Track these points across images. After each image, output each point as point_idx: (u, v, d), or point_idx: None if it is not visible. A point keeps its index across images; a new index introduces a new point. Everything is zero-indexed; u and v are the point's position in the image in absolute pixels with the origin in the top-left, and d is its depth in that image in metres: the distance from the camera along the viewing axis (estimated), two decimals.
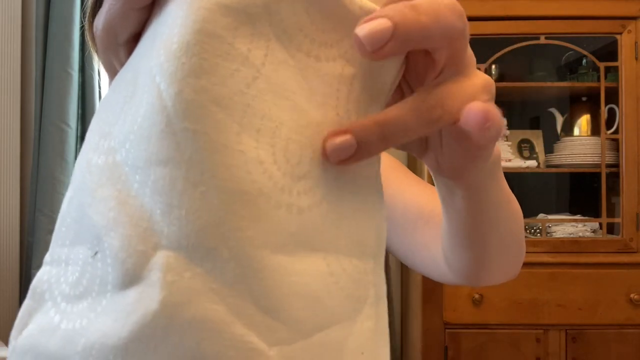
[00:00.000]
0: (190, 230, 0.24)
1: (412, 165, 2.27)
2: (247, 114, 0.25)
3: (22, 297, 2.23)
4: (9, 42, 2.24)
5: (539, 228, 2.16)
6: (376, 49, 0.27)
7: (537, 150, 2.30)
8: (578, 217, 2.21)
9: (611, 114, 2.12)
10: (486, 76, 0.31)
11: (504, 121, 0.30)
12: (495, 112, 0.28)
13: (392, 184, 0.68)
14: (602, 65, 2.09)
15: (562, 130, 2.32)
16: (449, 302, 2.03)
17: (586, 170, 2.17)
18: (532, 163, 2.20)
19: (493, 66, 2.19)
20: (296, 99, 0.26)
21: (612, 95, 2.10)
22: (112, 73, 0.31)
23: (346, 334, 0.27)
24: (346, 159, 0.27)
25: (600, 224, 2.14)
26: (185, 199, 0.24)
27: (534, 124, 2.37)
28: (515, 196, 0.52)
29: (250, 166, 0.24)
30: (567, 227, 2.14)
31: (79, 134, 2.21)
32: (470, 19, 0.31)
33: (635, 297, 1.99)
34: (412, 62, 0.31)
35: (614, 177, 2.11)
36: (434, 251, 0.59)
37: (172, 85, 0.24)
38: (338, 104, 0.27)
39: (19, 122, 2.25)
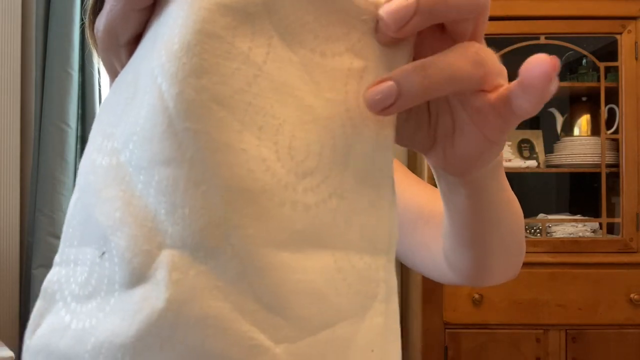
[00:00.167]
0: (194, 229, 0.24)
1: (412, 165, 2.27)
2: (249, 112, 0.25)
3: (22, 297, 2.23)
4: (9, 42, 2.24)
5: (539, 228, 2.16)
6: (401, 26, 0.27)
7: (537, 150, 2.30)
8: (578, 217, 2.21)
9: (611, 114, 2.12)
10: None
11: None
12: None
13: None
14: (602, 65, 2.09)
15: (562, 130, 2.32)
16: (449, 302, 2.03)
17: (586, 170, 2.17)
18: (532, 163, 2.20)
19: None
20: (300, 95, 0.26)
21: (612, 95, 2.10)
22: (113, 74, 0.31)
23: (354, 330, 0.26)
24: (388, 107, 0.27)
25: (600, 224, 2.14)
26: (188, 198, 0.24)
27: (534, 124, 2.37)
28: (515, 196, 0.52)
29: (252, 164, 0.24)
30: (567, 227, 2.14)
31: (79, 134, 2.21)
32: None
33: (635, 297, 1.99)
34: (429, 45, 0.31)
35: (614, 177, 2.11)
36: (434, 251, 0.59)
37: (173, 85, 0.24)
38: (347, 98, 0.27)
39: (19, 122, 2.25)
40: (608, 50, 2.14)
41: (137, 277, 0.24)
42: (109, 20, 0.28)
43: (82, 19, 2.03)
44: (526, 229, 2.15)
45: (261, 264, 0.24)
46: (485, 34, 0.31)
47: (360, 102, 0.28)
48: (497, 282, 0.57)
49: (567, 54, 2.24)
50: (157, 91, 0.25)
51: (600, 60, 2.10)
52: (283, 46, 0.26)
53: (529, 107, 0.29)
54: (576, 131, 2.31)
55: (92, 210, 0.27)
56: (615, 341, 2.00)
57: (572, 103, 2.37)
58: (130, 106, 0.26)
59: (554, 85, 0.28)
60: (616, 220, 2.11)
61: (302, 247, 0.25)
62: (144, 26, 0.28)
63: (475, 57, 0.29)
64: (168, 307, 0.23)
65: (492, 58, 0.30)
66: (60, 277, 0.28)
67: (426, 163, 2.05)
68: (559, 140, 2.28)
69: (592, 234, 2.15)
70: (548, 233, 2.15)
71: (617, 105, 2.08)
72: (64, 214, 2.20)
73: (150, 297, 0.24)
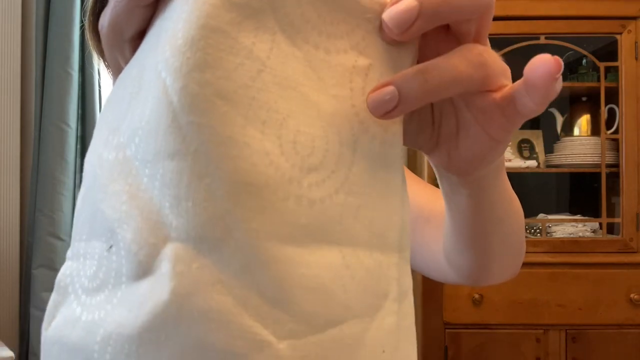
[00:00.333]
0: (197, 222, 0.24)
1: (412, 165, 2.27)
2: (253, 106, 0.25)
3: (22, 297, 2.23)
4: (9, 42, 2.24)
5: (539, 228, 2.16)
6: (404, 30, 0.27)
7: (537, 150, 2.30)
8: (578, 217, 2.21)
9: (611, 114, 2.13)
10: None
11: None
12: None
13: None
14: (602, 65, 2.09)
15: (562, 130, 2.32)
16: (449, 302, 2.03)
17: (586, 170, 2.17)
18: (532, 163, 2.20)
19: None
20: (305, 91, 0.26)
21: (612, 95, 2.10)
22: (117, 70, 0.31)
23: (364, 329, 0.26)
24: (389, 112, 0.27)
25: (600, 224, 2.14)
26: (192, 192, 0.24)
27: (534, 124, 2.38)
28: (516, 195, 0.52)
29: (255, 158, 0.25)
30: (567, 227, 2.14)
31: (79, 134, 2.21)
32: None
33: (635, 297, 1.99)
34: (433, 46, 0.31)
35: (614, 177, 2.11)
36: (435, 250, 0.59)
37: (178, 80, 0.24)
38: (353, 95, 0.27)
39: (19, 122, 2.25)
40: (608, 50, 2.14)
41: (143, 269, 0.25)
42: (113, 16, 0.29)
43: (82, 20, 2.03)
44: (526, 229, 2.15)
45: (265, 257, 0.24)
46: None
47: (366, 98, 0.28)
48: (498, 281, 0.57)
49: (567, 54, 2.24)
50: (162, 86, 0.25)
51: (600, 60, 2.10)
52: (287, 42, 0.26)
53: (534, 106, 0.29)
54: (576, 131, 2.31)
55: (99, 205, 0.27)
56: (615, 341, 2.00)
57: (572, 103, 2.38)
58: (135, 101, 0.27)
59: (558, 84, 0.28)
60: (616, 220, 2.11)
61: (306, 242, 0.25)
62: (148, 22, 0.29)
63: (477, 59, 0.29)
64: (172, 299, 0.24)
65: (494, 59, 0.30)
66: (72, 270, 0.28)
67: (426, 163, 2.05)
68: (559, 140, 2.28)
69: (592, 234, 2.15)
70: (548, 233, 2.15)
71: (617, 105, 2.08)
72: (64, 214, 2.20)
73: (155, 290, 0.24)
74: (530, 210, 2.18)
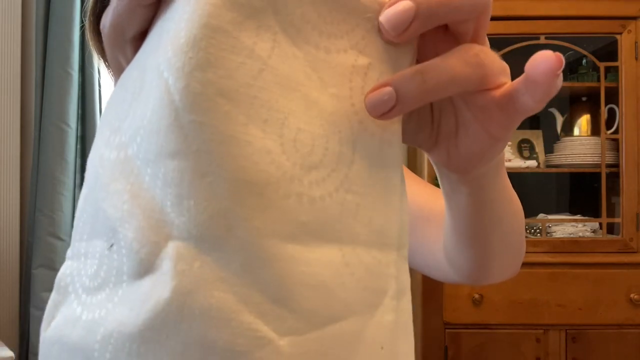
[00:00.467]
0: (199, 220, 0.24)
1: (412, 164, 2.27)
2: (254, 105, 0.25)
3: (22, 297, 2.23)
4: (9, 42, 2.24)
5: (539, 228, 2.16)
6: (401, 32, 0.27)
7: (537, 150, 2.30)
8: (578, 217, 2.21)
9: (611, 114, 2.13)
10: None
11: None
12: None
13: None
14: (602, 65, 2.10)
15: (562, 130, 2.32)
16: (449, 302, 2.03)
17: (586, 170, 2.17)
18: (532, 163, 2.20)
19: None
20: (305, 90, 0.27)
21: (612, 95, 2.10)
22: (119, 70, 0.31)
23: (363, 326, 0.26)
24: (387, 112, 0.27)
25: (600, 224, 2.14)
26: (194, 190, 0.24)
27: (534, 124, 2.38)
28: (516, 194, 0.52)
29: (257, 156, 0.25)
30: (567, 227, 2.15)
31: (79, 134, 2.21)
32: None
33: (635, 297, 1.99)
34: (432, 45, 0.31)
35: (614, 177, 2.11)
36: (435, 249, 0.59)
37: (180, 79, 0.24)
38: (352, 94, 0.28)
39: (19, 122, 2.25)
40: (608, 50, 2.14)
41: (145, 268, 0.25)
42: (115, 16, 0.29)
43: (82, 20, 2.03)
44: (526, 229, 2.15)
45: (266, 255, 0.24)
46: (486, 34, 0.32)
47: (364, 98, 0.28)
48: (498, 280, 0.57)
49: (567, 54, 2.24)
50: (164, 85, 0.25)
51: (600, 60, 2.10)
52: (288, 42, 0.26)
53: (534, 104, 0.29)
54: (576, 131, 2.31)
55: (100, 204, 0.27)
56: (615, 341, 2.01)
57: (572, 103, 2.38)
58: (137, 101, 0.27)
59: (559, 81, 0.28)
60: (616, 220, 2.11)
61: (307, 240, 0.25)
62: (149, 22, 0.29)
63: (475, 59, 0.29)
64: (173, 297, 0.24)
65: (492, 59, 0.30)
66: (72, 270, 0.28)
67: (426, 162, 2.05)
68: (559, 140, 2.28)
69: (592, 234, 2.15)
70: (548, 233, 2.15)
71: (617, 105, 2.09)
72: (64, 214, 2.20)
73: (157, 288, 0.24)
74: (530, 210, 2.18)
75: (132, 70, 0.29)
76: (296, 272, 0.25)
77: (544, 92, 0.28)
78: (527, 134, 2.32)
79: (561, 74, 0.28)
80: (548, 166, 2.26)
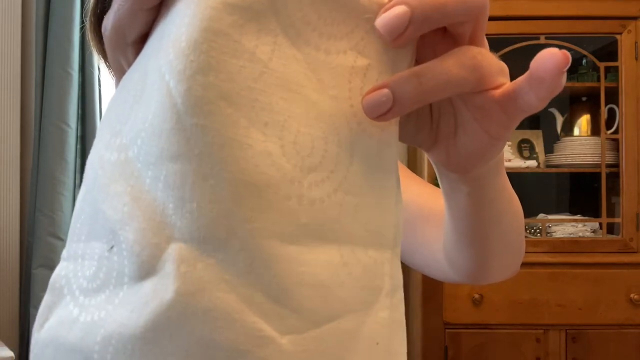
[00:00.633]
0: (202, 222, 0.24)
1: (412, 164, 2.27)
2: (255, 108, 0.25)
3: (22, 297, 2.23)
4: (9, 42, 2.24)
5: (539, 228, 2.17)
6: (396, 37, 0.27)
7: (537, 150, 2.30)
8: (578, 217, 2.21)
9: (611, 114, 2.13)
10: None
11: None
12: None
13: None
14: (602, 65, 2.10)
15: (562, 130, 2.32)
16: (449, 302, 2.03)
17: (586, 170, 2.17)
18: (532, 163, 2.20)
19: None
20: (305, 92, 0.27)
21: (612, 95, 2.10)
22: (120, 73, 0.31)
23: (360, 323, 0.27)
24: (384, 114, 0.27)
25: (600, 224, 2.14)
26: (196, 193, 0.24)
27: (533, 124, 2.38)
28: (515, 194, 0.52)
29: (258, 159, 0.25)
30: (567, 227, 2.15)
31: (79, 134, 2.21)
32: None
33: (635, 297, 1.99)
34: (430, 46, 0.31)
35: (614, 177, 2.11)
36: (435, 249, 0.60)
37: (181, 82, 0.25)
38: (351, 95, 0.28)
39: (19, 122, 2.26)
40: (608, 50, 2.14)
41: (146, 270, 0.25)
42: (116, 19, 0.29)
43: (82, 20, 2.03)
44: (526, 229, 2.15)
45: (268, 256, 0.25)
46: (486, 34, 0.32)
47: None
48: (497, 280, 0.57)
49: None
50: (165, 88, 0.25)
51: (600, 60, 2.10)
52: (288, 44, 0.27)
53: (537, 102, 0.29)
54: (576, 131, 2.31)
55: (100, 205, 0.27)
56: (615, 341, 2.01)
57: (572, 103, 2.38)
58: (138, 104, 0.27)
59: (563, 79, 0.28)
60: (616, 220, 2.11)
61: (307, 241, 0.26)
62: (151, 25, 0.29)
63: (471, 62, 0.29)
64: (176, 298, 0.24)
65: (489, 60, 0.30)
66: (68, 271, 0.28)
67: (426, 162, 2.06)
68: (559, 140, 2.28)
69: (592, 234, 2.15)
70: (548, 233, 2.15)
71: (617, 105, 2.09)
72: (64, 214, 2.20)
73: (159, 289, 0.24)
74: (530, 210, 2.18)
75: (134, 72, 0.29)
76: (296, 273, 0.25)
77: (549, 90, 0.29)
78: (527, 134, 2.32)
79: (565, 72, 0.28)
80: (548, 166, 2.26)
